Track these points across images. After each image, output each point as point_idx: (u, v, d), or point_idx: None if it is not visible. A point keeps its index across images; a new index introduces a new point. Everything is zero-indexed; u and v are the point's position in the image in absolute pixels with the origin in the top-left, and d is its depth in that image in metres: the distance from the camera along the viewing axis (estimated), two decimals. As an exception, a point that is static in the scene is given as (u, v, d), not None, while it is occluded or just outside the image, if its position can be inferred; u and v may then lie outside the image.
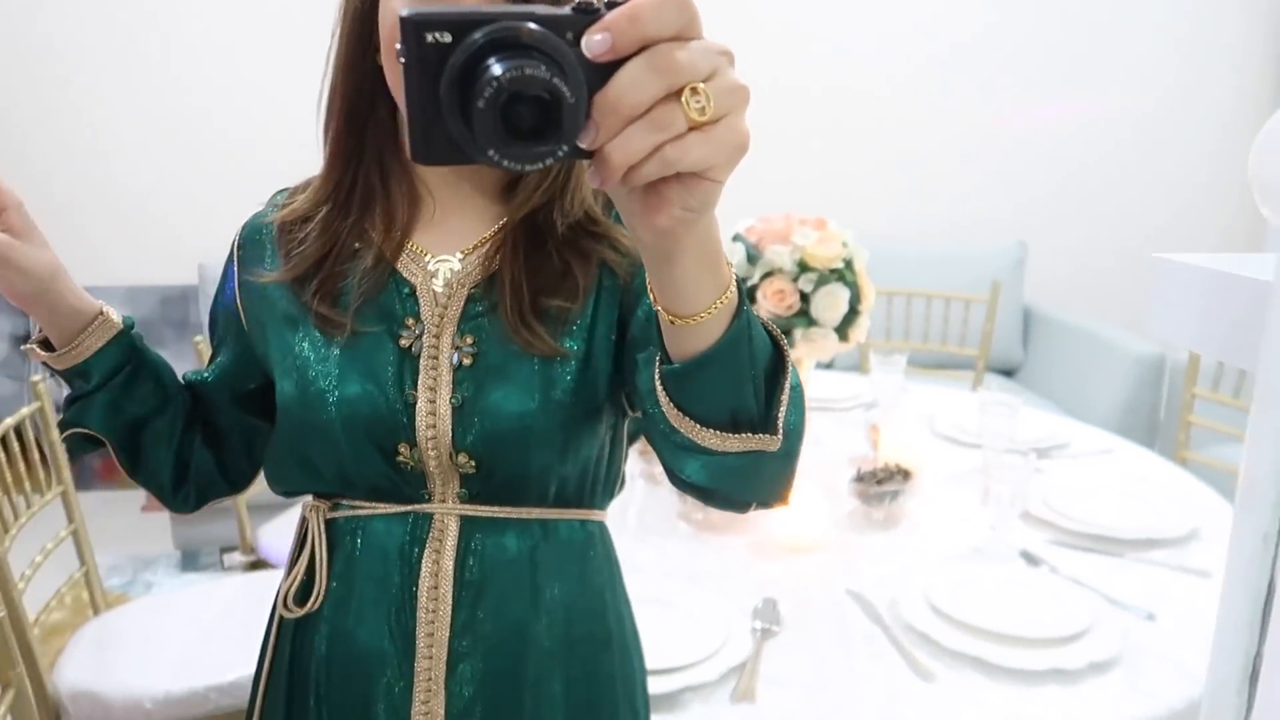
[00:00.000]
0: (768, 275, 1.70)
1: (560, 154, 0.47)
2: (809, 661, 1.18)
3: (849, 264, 1.71)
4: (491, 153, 0.46)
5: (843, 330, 1.71)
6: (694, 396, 0.64)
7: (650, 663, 1.13)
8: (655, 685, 1.10)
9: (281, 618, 0.89)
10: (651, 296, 0.60)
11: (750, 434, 0.65)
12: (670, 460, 0.71)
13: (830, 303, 1.66)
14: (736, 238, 1.74)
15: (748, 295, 1.84)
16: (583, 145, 0.48)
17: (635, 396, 0.82)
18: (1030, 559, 1.43)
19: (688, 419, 0.64)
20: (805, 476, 1.63)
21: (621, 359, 0.84)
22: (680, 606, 1.26)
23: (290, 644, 0.88)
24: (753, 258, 1.71)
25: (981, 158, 3.48)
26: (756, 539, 1.50)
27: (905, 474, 1.58)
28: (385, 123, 0.83)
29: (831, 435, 1.92)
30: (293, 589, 0.86)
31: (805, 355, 1.70)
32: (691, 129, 0.48)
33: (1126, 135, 3.48)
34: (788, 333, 1.68)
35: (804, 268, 1.68)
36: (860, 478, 1.57)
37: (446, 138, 0.47)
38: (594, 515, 0.90)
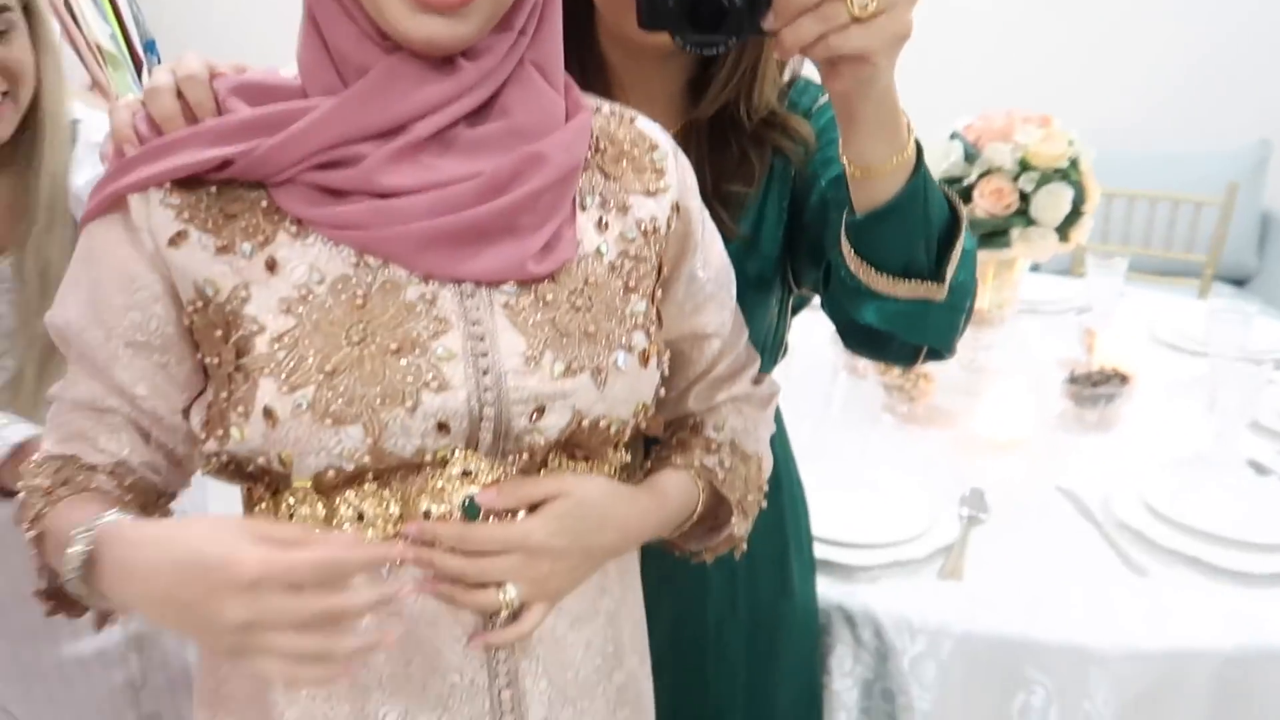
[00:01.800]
0: (985, 174, 1.67)
1: (742, 35, 0.66)
2: (1016, 550, 1.22)
3: (1074, 163, 1.64)
4: (680, 38, 0.67)
5: (1063, 231, 1.65)
6: (872, 244, 0.77)
7: (858, 538, 1.21)
8: (863, 559, 1.18)
9: None
10: (841, 152, 0.74)
11: (919, 281, 0.76)
12: (849, 306, 0.82)
13: (1052, 203, 1.61)
14: (954, 135, 1.71)
15: (963, 194, 1.81)
16: (765, 28, 0.65)
17: (802, 273, 0.95)
18: (1259, 468, 1.38)
19: (865, 264, 0.76)
20: (1011, 375, 1.64)
21: (793, 239, 0.93)
22: (887, 491, 1.32)
23: None
24: (970, 156, 1.68)
25: (1221, 47, 3.16)
26: (961, 434, 1.52)
27: (1123, 378, 1.55)
28: (585, 26, 0.89)
29: (1039, 339, 1.88)
30: None
31: (1022, 256, 1.67)
32: (854, 20, 0.62)
33: None
34: (1004, 233, 1.65)
35: (1025, 166, 1.64)
36: (1074, 379, 1.55)
37: (665, 9, 0.66)
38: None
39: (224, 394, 0.66)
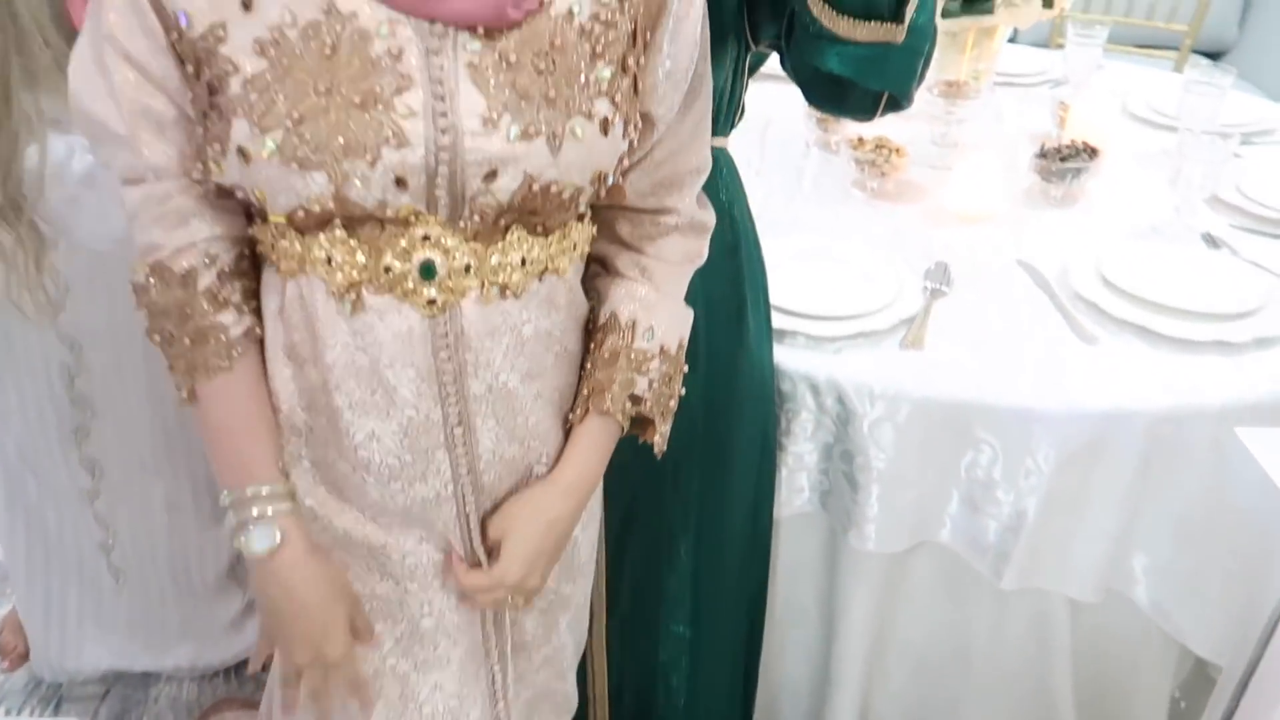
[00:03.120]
0: (973, -69, 1.58)
1: None
2: (975, 320, 1.26)
3: (1066, -81, 1.56)
4: None
5: (1048, -4, 1.60)
6: None
7: (824, 310, 1.25)
8: (830, 330, 1.22)
9: None
10: None
11: (879, 23, 0.80)
12: (810, 54, 0.85)
13: (1040, -37, 1.55)
14: (943, -114, 1.61)
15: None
16: None
17: (761, 26, 0.94)
18: (1211, 241, 1.42)
19: (827, 7, 0.80)
20: (982, 149, 1.64)
21: None
22: (854, 265, 1.35)
23: None
24: (959, -90, 1.59)
25: None
26: (929, 207, 1.53)
27: (1092, 152, 1.55)
28: None
29: (1013, 111, 1.85)
30: None
31: (1004, 23, 1.62)
32: None
33: None
34: (987, -2, 1.59)
35: (1015, -78, 1.56)
36: (1043, 154, 1.55)
37: None
38: (717, 142, 0.99)
39: (199, 130, 0.70)
